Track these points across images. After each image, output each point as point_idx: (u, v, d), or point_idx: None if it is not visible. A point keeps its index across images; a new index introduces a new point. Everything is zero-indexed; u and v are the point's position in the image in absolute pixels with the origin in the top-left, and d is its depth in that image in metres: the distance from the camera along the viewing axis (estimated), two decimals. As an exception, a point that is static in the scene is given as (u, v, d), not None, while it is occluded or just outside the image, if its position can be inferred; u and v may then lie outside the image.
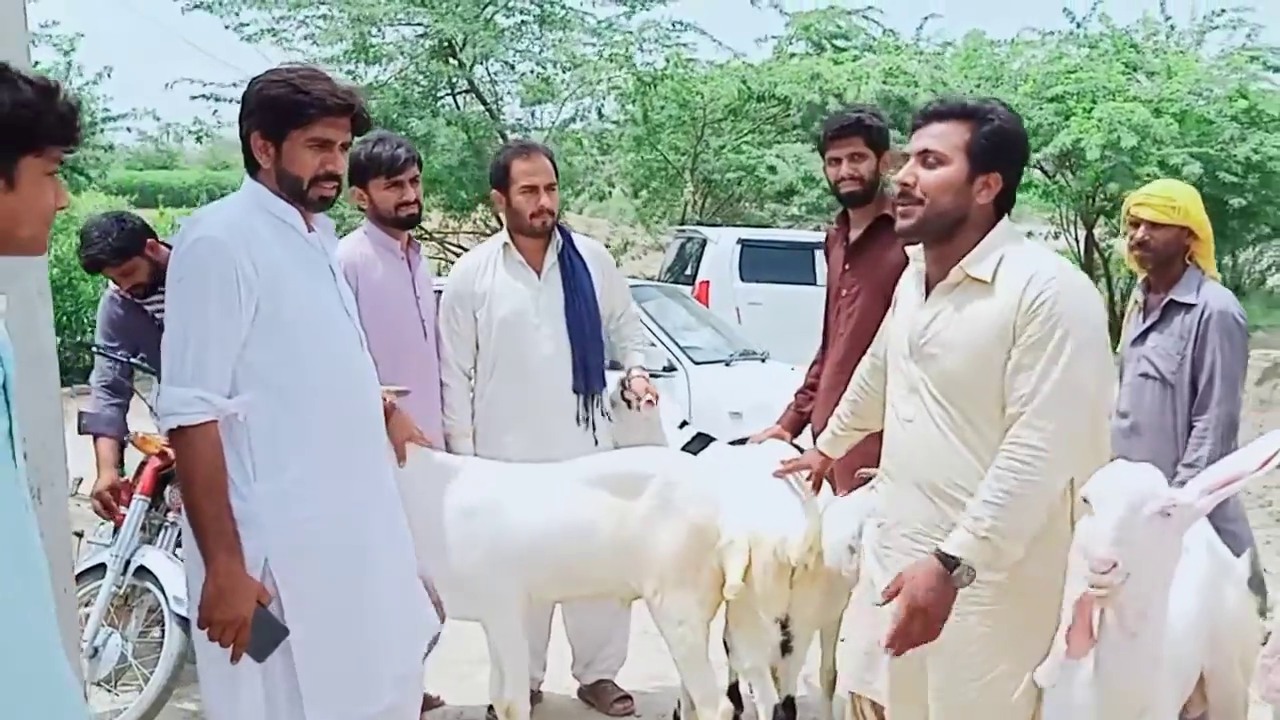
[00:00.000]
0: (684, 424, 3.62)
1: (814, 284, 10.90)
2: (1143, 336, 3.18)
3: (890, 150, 3.31)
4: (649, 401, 3.52)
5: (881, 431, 2.47)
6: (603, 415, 3.54)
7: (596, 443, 3.52)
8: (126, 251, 3.62)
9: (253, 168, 2.36)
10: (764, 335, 7.73)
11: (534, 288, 3.52)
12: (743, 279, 10.66)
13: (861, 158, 3.25)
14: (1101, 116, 11.92)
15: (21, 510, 1.66)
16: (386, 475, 2.52)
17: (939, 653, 2.21)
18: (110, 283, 3.86)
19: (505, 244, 3.57)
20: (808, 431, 3.49)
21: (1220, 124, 12.74)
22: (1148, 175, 12.38)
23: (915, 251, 2.35)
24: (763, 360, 6.89)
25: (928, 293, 2.27)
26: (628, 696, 3.76)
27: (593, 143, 13.66)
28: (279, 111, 2.29)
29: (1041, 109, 12.56)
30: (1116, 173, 12.13)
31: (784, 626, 3.01)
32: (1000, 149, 2.19)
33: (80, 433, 3.67)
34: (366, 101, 2.45)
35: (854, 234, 3.34)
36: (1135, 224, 3.15)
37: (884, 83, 12.90)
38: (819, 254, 11.12)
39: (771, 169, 12.84)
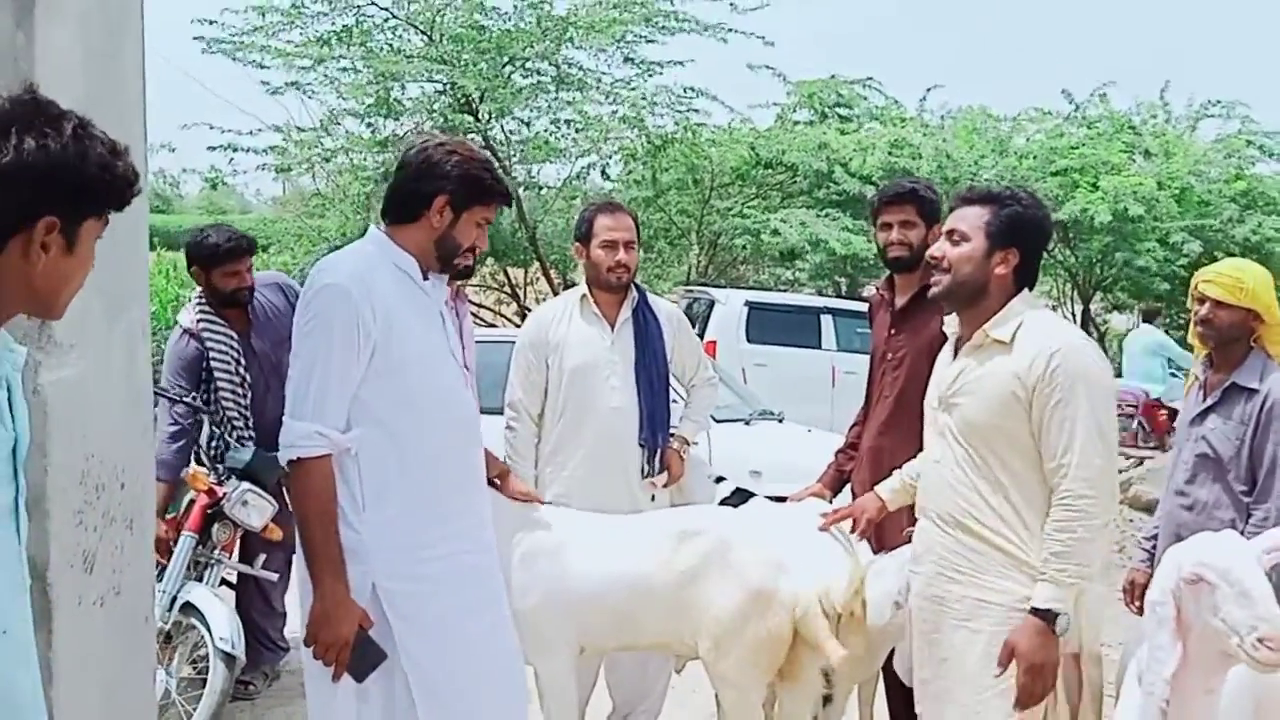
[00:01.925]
0: (720, 479, 3.69)
1: (818, 348, 11.05)
2: (1201, 416, 3.17)
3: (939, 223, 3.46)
4: (664, 484, 3.60)
5: None
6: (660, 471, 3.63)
7: (653, 498, 3.61)
8: (243, 250, 3.98)
9: (399, 218, 2.51)
10: (768, 397, 7.83)
11: (607, 340, 3.63)
12: (749, 340, 10.77)
13: (912, 225, 3.39)
14: (1108, 189, 12.21)
15: (18, 591, 1.55)
16: (483, 515, 2.61)
17: (959, 680, 2.49)
18: (184, 319, 4.15)
19: (583, 296, 3.69)
20: (846, 492, 3.59)
21: (1219, 204, 13.04)
22: (1149, 250, 12.69)
23: (949, 320, 2.70)
24: (779, 420, 7.00)
25: (956, 353, 2.63)
26: (661, 749, 3.80)
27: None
28: (475, 190, 2.49)
29: (1045, 181, 12.85)
30: (1123, 244, 12.39)
31: (826, 678, 3.07)
32: (1017, 229, 2.56)
33: None
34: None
35: (899, 300, 3.46)
36: (1201, 300, 3.16)
37: (889, 153, 13.19)
38: (825, 318, 11.39)
39: (775, 232, 13.05)
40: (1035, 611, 2.36)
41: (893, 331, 3.46)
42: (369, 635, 2.38)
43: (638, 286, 3.72)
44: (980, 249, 2.55)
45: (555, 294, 13.02)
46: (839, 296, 16.91)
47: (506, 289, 13.49)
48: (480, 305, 12.81)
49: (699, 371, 3.86)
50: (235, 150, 11.79)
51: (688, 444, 3.74)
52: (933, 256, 2.60)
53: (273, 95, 11.36)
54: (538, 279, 13.41)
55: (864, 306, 13.15)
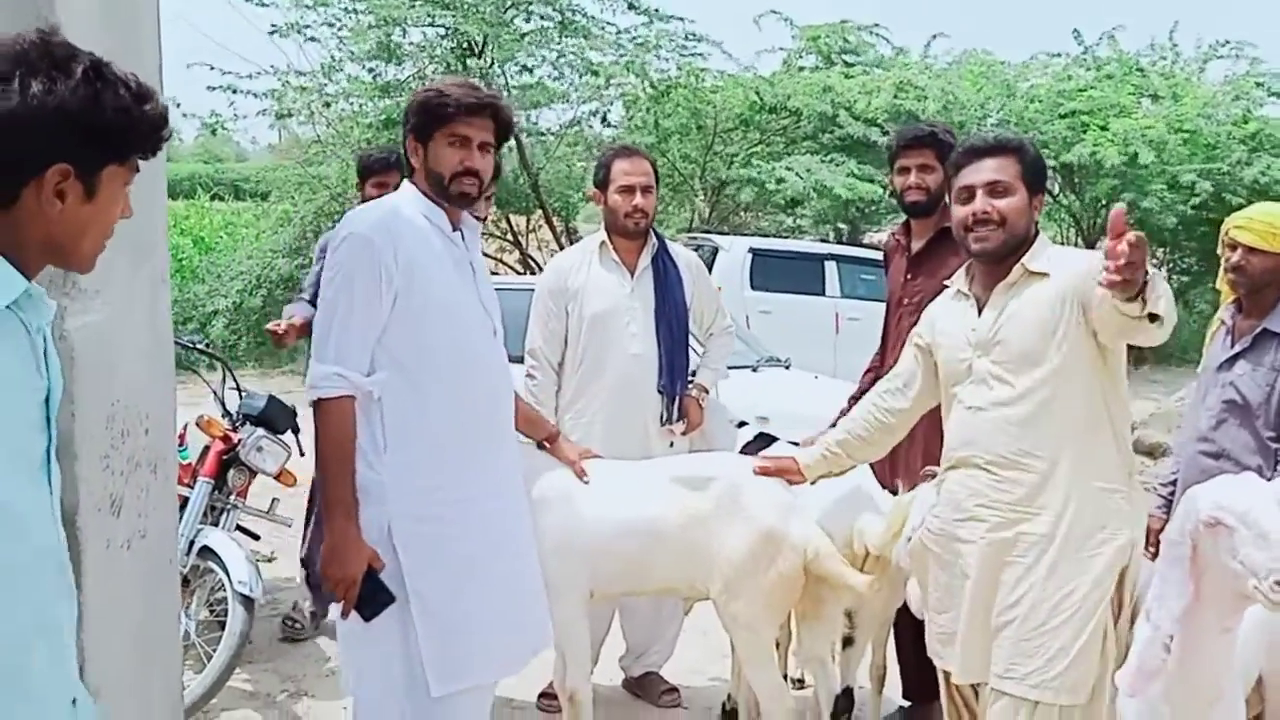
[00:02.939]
0: (742, 424, 3.69)
1: (822, 294, 11.02)
2: (1230, 362, 3.10)
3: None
4: (683, 431, 3.61)
5: (937, 434, 2.76)
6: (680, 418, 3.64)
7: (672, 445, 3.62)
8: (396, 165, 4.01)
9: (410, 172, 2.59)
10: (772, 344, 7.82)
11: (626, 287, 3.62)
12: (753, 287, 10.75)
13: (930, 169, 3.37)
14: (1117, 131, 12.10)
15: (53, 533, 1.52)
16: (508, 464, 2.63)
17: (1010, 612, 2.49)
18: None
19: (602, 243, 3.67)
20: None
21: (1227, 147, 12.94)
22: (1158, 191, 12.62)
23: (956, 277, 2.73)
24: (786, 367, 6.99)
25: (978, 302, 2.63)
26: (674, 689, 3.85)
27: (601, 148, 13.74)
28: (425, 114, 2.52)
29: (1053, 124, 12.74)
30: (1131, 186, 12.31)
31: (849, 618, 3.10)
32: (1041, 174, 2.65)
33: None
34: (507, 106, 2.58)
35: (916, 245, 3.45)
36: (1233, 247, 3.10)
37: (895, 96, 13.05)
38: (829, 265, 11.36)
39: (781, 181, 12.95)
40: None
41: (909, 276, 3.45)
42: (379, 577, 2.41)
43: (657, 233, 3.70)
44: (1024, 199, 2.58)
45: (558, 241, 13.01)
46: (841, 242, 16.88)
47: (509, 237, 13.42)
48: (483, 254, 12.75)
49: (717, 320, 3.85)
50: (235, 92, 11.68)
51: (706, 392, 3.74)
52: (982, 213, 2.55)
53: (273, 36, 11.21)
54: (540, 226, 13.36)
55: (868, 253, 13.20)
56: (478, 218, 3.44)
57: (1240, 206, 12.96)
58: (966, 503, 2.60)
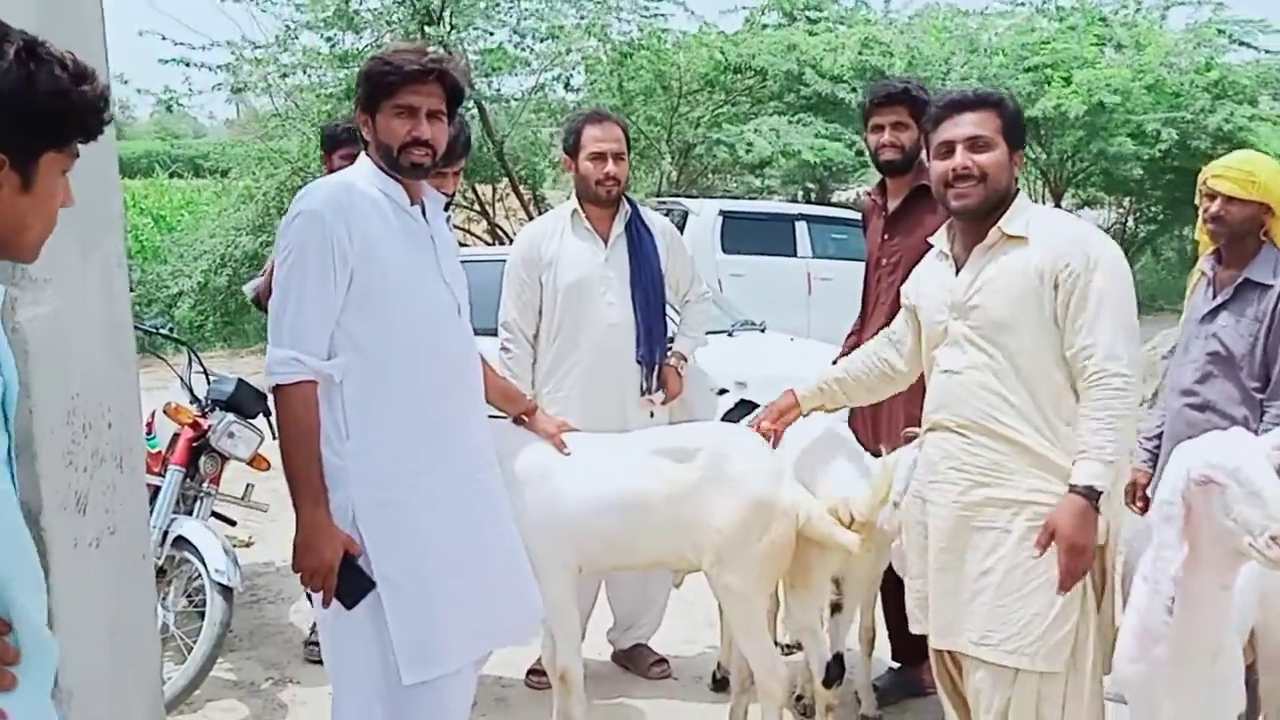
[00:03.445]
0: (723, 391, 3.63)
1: (794, 255, 10.98)
2: (1212, 314, 3.04)
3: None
4: (662, 401, 3.55)
5: (918, 396, 2.75)
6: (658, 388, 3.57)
7: (652, 415, 3.56)
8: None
9: (364, 145, 2.49)
10: (745, 307, 7.76)
11: (601, 255, 3.54)
12: (724, 250, 10.68)
13: (904, 127, 3.30)
14: (1080, 83, 12.10)
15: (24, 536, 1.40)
16: (478, 443, 2.56)
17: (986, 584, 2.48)
18: None
19: (574, 211, 3.57)
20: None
21: (1191, 95, 12.97)
22: (1123, 140, 12.64)
23: (938, 236, 2.67)
24: (762, 330, 6.94)
25: (957, 263, 2.58)
26: (664, 660, 3.82)
27: (565, 114, 13.57)
28: (370, 85, 2.43)
29: (1017, 79, 12.71)
30: (1096, 136, 12.33)
31: (837, 585, 3.07)
32: (1021, 130, 2.60)
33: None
34: (457, 69, 2.47)
35: (892, 204, 3.39)
36: (1211, 196, 3.03)
37: (860, 53, 12.96)
38: (799, 225, 11.30)
39: (750, 145, 12.83)
40: (1075, 491, 2.36)
41: (886, 236, 3.40)
42: (355, 562, 2.35)
43: (630, 200, 3.61)
44: (1005, 153, 2.52)
45: (526, 210, 12.85)
46: (810, 202, 16.80)
47: (476, 207, 13.25)
48: (452, 226, 12.57)
49: (693, 286, 3.78)
50: (188, 65, 11.42)
51: (685, 360, 3.68)
52: (963, 168, 2.49)
53: (224, 4, 10.95)
54: (507, 195, 13.18)
55: (839, 212, 13.14)
56: (447, 195, 3.36)
57: (1205, 153, 13.16)
58: (940, 465, 2.58)
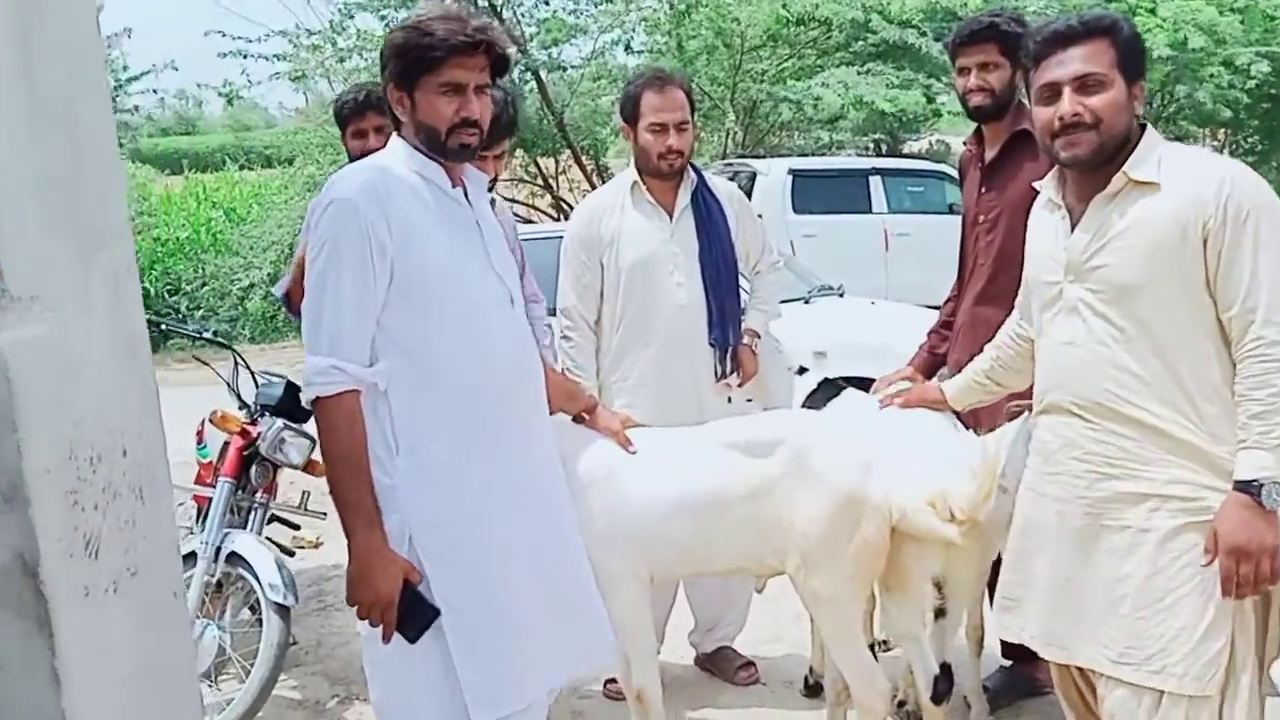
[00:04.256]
0: (803, 370, 3.31)
1: (869, 212, 10.56)
2: None
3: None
4: (739, 383, 3.27)
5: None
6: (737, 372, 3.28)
7: (730, 400, 3.27)
8: (372, 104, 3.34)
9: (396, 124, 2.24)
10: (820, 269, 7.40)
11: (666, 231, 3.24)
12: (795, 211, 10.30)
13: (994, 67, 2.95)
14: (1166, 15, 11.39)
15: None
16: (542, 450, 2.32)
17: (1119, 587, 2.14)
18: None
19: (634, 183, 3.27)
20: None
21: (1286, 18, 12.18)
22: (1213, 76, 11.91)
23: (1045, 182, 2.30)
24: (840, 295, 6.58)
25: (1072, 215, 2.23)
26: (751, 663, 3.56)
27: (627, 79, 13.22)
28: (407, 58, 2.15)
29: (1102, 10, 12.02)
30: (1184, 74, 11.62)
31: (939, 588, 2.76)
32: (1140, 56, 2.19)
33: None
34: (503, 38, 2.20)
35: (989, 153, 3.04)
36: None
37: (931, -7, 12.37)
38: (873, 180, 10.85)
39: (818, 99, 12.35)
40: (1238, 487, 2.02)
41: (983, 190, 3.05)
42: (417, 590, 2.12)
43: (694, 167, 3.29)
44: (1123, 91, 2.14)
45: (589, 181, 12.58)
46: (882, 154, 16.25)
47: (539, 181, 13.01)
48: (513, 200, 12.37)
49: (764, 256, 3.46)
50: (245, 57, 11.37)
51: (758, 336, 3.37)
52: (1072, 115, 2.12)
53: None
54: (570, 167, 12.93)
55: (913, 163, 12.68)
56: (492, 182, 3.07)
57: (1305, 85, 12.15)
58: (1059, 454, 2.24)
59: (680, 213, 3.25)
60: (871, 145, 17.43)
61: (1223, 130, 15.39)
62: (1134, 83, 2.17)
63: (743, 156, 12.35)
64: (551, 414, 2.50)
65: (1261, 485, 1.99)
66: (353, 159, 3.18)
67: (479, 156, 2.72)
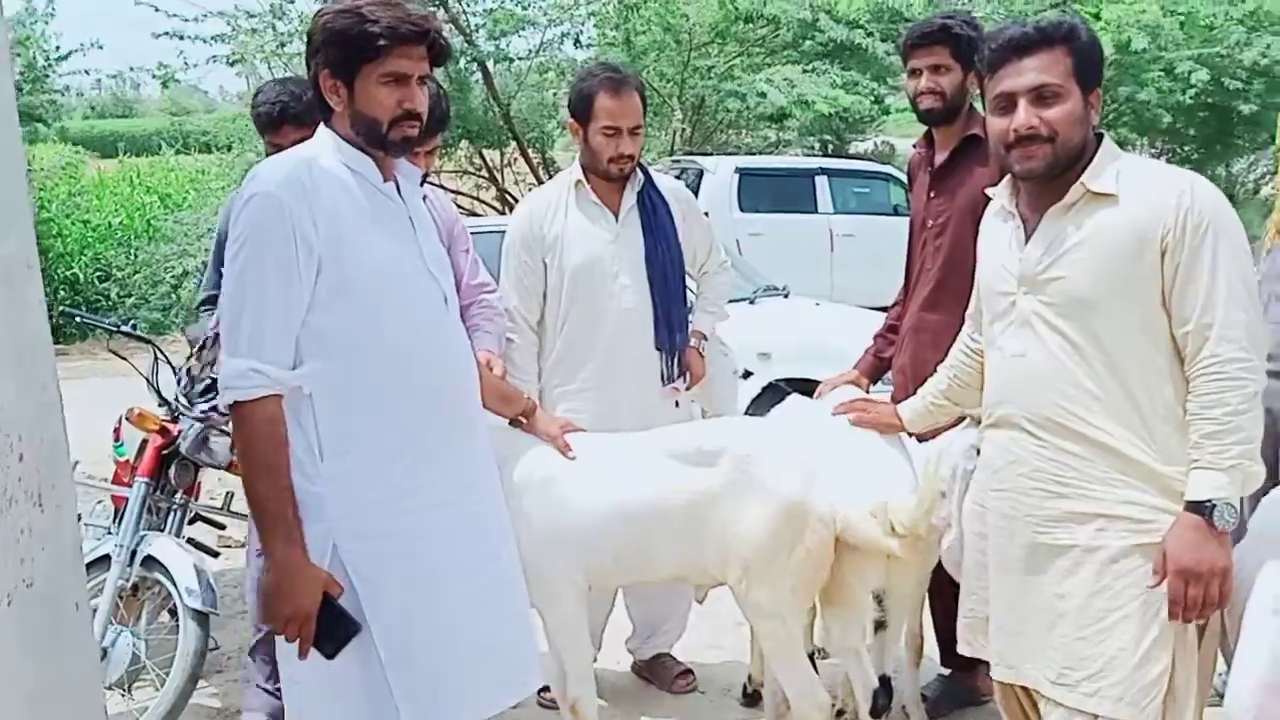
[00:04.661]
0: (747, 374, 3.24)
1: (814, 212, 10.57)
2: None
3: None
4: (686, 387, 3.20)
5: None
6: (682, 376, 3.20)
7: (677, 405, 3.19)
8: (286, 119, 3.04)
9: (325, 112, 2.12)
10: (765, 268, 7.37)
11: (611, 232, 3.14)
12: (742, 209, 10.28)
13: (946, 70, 2.91)
14: (1110, 19, 11.56)
15: None
16: (478, 457, 2.22)
17: (1059, 605, 2.10)
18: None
19: (578, 182, 3.17)
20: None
21: (1225, 27, 12.39)
22: (1154, 80, 12.10)
23: (998, 189, 2.24)
24: (785, 296, 6.54)
25: (1026, 224, 2.18)
26: (689, 671, 3.49)
27: (574, 72, 13.10)
28: (347, 46, 2.04)
29: (1044, 14, 12.14)
30: (1126, 77, 11.80)
31: (879, 601, 2.71)
32: (1097, 64, 2.14)
33: None
34: (442, 28, 2.10)
35: (939, 157, 2.99)
36: None
37: (878, -7, 12.44)
38: (819, 180, 10.86)
39: (762, 95, 12.36)
40: (1191, 506, 1.98)
41: (931, 194, 3.00)
42: (338, 603, 2.02)
43: (643, 166, 3.20)
44: (1079, 102, 2.09)
45: (535, 175, 12.43)
46: (828, 155, 16.29)
47: (484, 173, 12.84)
48: (457, 192, 12.19)
49: (711, 256, 3.38)
50: (181, 38, 11.06)
51: (705, 338, 3.29)
52: (1027, 127, 2.07)
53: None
54: (516, 159, 12.76)
55: (860, 164, 12.71)
56: (427, 179, 2.96)
57: (1241, 90, 12.64)
58: (1005, 471, 2.19)
59: (626, 214, 3.16)
60: (817, 145, 17.47)
61: (1160, 139, 15.65)
62: (1090, 91, 2.12)
63: (690, 153, 12.29)
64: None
65: (1214, 506, 1.95)
66: None
67: (410, 154, 2.61)
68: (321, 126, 2.15)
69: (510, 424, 2.73)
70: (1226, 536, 1.97)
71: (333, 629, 2.02)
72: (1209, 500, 1.96)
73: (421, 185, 2.46)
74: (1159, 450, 2.04)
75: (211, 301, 3.23)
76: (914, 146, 3.19)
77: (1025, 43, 2.09)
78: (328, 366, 2.02)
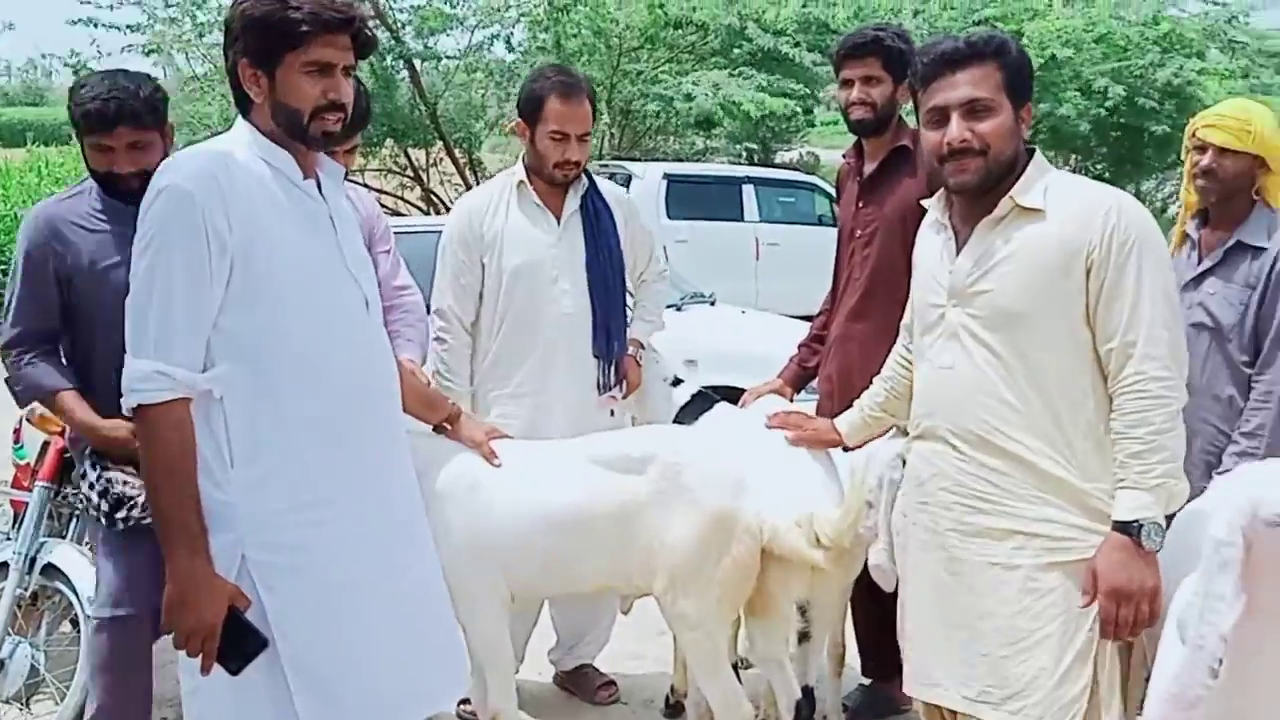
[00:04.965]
0: (678, 381, 3.22)
1: (741, 220, 10.62)
2: (1197, 280, 2.80)
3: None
4: (623, 395, 3.17)
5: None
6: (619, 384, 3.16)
7: (612, 413, 3.14)
8: (158, 113, 2.65)
9: (243, 105, 2.03)
10: (691, 275, 7.35)
11: (552, 235, 3.09)
12: (669, 216, 10.27)
13: (876, 81, 2.92)
14: (1032, 35, 11.83)
15: None
16: (395, 465, 2.15)
17: (980, 624, 2.10)
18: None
19: (521, 182, 3.11)
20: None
21: (1140, 48, 12.76)
22: (1071, 97, 12.41)
23: (932, 202, 2.25)
24: (712, 304, 6.54)
25: (958, 237, 2.18)
26: (611, 682, 3.45)
27: (503, 74, 13.01)
28: (269, 32, 1.95)
29: (968, 31, 12.41)
30: (1046, 93, 12.08)
31: (803, 612, 2.70)
32: (1027, 79, 2.16)
33: (23, 404, 2.90)
34: (364, 15, 2.04)
35: (868, 167, 3.00)
36: (1201, 149, 2.78)
37: (804, 5, 12.59)
38: (746, 188, 10.92)
39: (689, 97, 12.42)
40: (1118, 526, 1.98)
41: (860, 204, 3.01)
42: (243, 617, 1.93)
43: (587, 172, 3.15)
44: (1010, 115, 2.10)
45: (462, 175, 12.29)
46: (755, 163, 16.40)
47: (409, 172, 12.67)
48: (381, 191, 12.01)
49: (651, 265, 3.34)
50: (95, 25, 10.73)
51: (641, 347, 3.26)
52: (960, 141, 2.08)
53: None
54: (441, 159, 12.62)
55: (786, 174, 12.80)
56: (348, 177, 2.84)
57: (1153, 110, 12.93)
58: (929, 484, 2.20)
59: (569, 217, 3.11)
60: (744, 153, 17.60)
61: (1074, 155, 16.05)
62: (1021, 105, 2.13)
63: (618, 158, 12.28)
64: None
65: (1141, 526, 1.97)
66: (95, 175, 2.67)
67: (328, 151, 2.44)
68: (239, 119, 2.07)
69: (434, 430, 2.66)
70: (1154, 555, 1.98)
71: (238, 643, 1.94)
72: (1135, 520, 1.97)
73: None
74: (1078, 466, 2.05)
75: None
76: (843, 157, 3.20)
77: (957, 57, 2.10)
78: (240, 370, 1.94)
